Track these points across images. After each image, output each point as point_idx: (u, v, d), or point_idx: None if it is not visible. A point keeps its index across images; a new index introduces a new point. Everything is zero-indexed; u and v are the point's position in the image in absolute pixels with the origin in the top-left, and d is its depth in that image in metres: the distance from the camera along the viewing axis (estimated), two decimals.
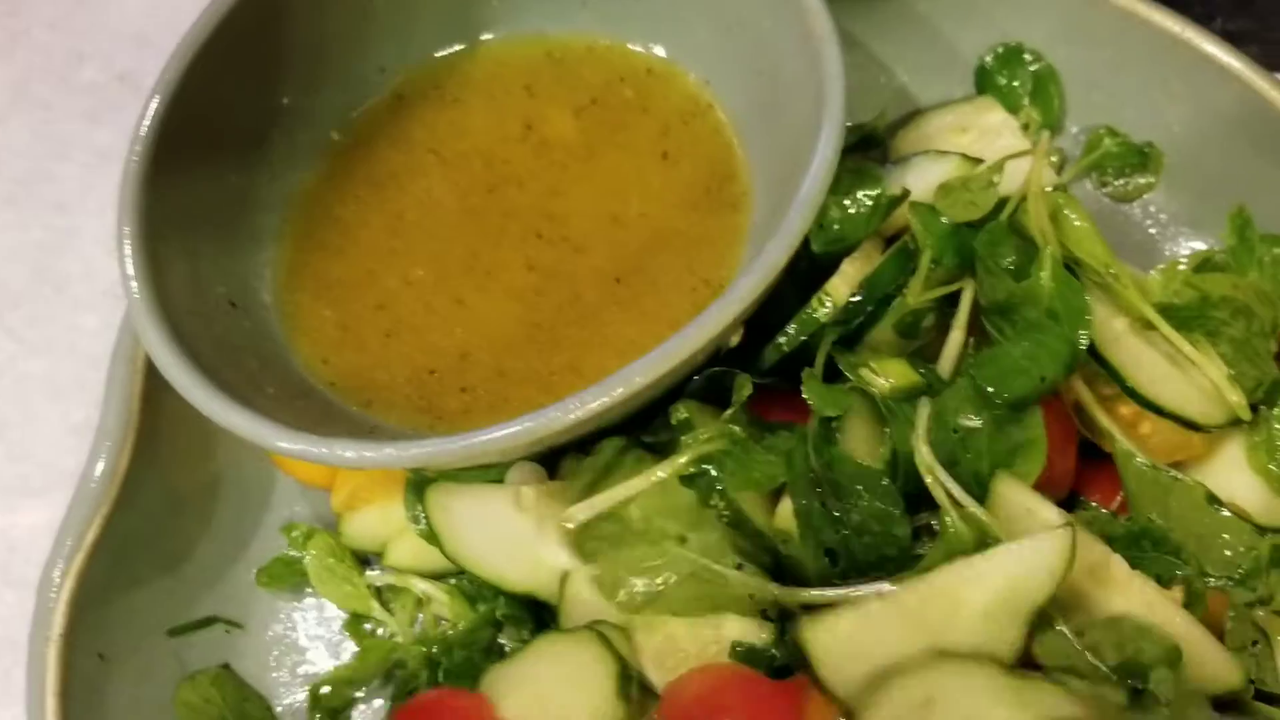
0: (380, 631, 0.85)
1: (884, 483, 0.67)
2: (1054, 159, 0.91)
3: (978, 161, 0.81)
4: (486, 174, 0.88)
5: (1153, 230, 0.92)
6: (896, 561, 0.66)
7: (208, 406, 0.72)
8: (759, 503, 0.71)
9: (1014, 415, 0.68)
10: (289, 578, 0.85)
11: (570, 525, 0.71)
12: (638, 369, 0.68)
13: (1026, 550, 0.63)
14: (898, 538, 0.67)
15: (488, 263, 0.84)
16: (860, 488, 0.67)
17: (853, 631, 0.64)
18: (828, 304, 0.75)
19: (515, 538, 0.73)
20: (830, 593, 0.67)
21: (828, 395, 0.70)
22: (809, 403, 0.70)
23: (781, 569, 0.71)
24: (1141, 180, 0.91)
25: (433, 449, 0.69)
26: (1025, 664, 0.64)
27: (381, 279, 0.85)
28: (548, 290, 0.83)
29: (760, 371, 0.76)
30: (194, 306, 0.79)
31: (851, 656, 0.64)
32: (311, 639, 0.87)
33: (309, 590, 0.86)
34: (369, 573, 0.86)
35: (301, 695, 0.84)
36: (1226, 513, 0.72)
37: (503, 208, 0.86)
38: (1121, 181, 0.92)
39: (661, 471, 0.71)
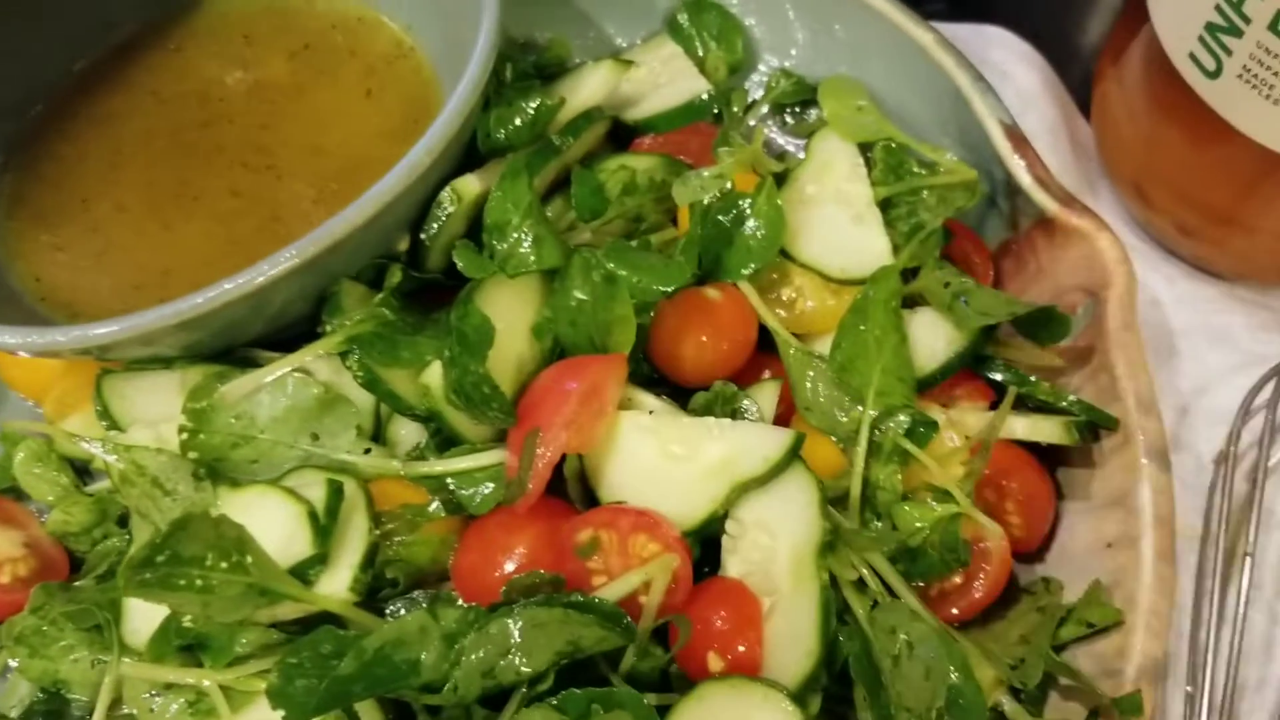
0: None
1: (488, 331, 0.74)
2: (737, 107, 1.00)
3: (628, 64, 0.92)
4: (201, 112, 0.94)
5: None
6: (500, 408, 0.74)
7: None
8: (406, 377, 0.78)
9: (610, 292, 0.75)
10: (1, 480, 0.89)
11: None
12: (284, 254, 0.75)
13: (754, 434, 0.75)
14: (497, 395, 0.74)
15: (196, 190, 0.91)
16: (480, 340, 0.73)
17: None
18: (453, 198, 0.81)
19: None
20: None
21: (475, 261, 0.77)
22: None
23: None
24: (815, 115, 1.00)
25: (103, 328, 0.74)
26: None
27: (95, 207, 0.91)
28: (248, 213, 0.89)
29: (426, 270, 0.83)
30: None
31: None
32: None
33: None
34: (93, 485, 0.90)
35: None
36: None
37: (214, 141, 0.93)
38: (797, 118, 1.01)
39: (313, 353, 0.77)
